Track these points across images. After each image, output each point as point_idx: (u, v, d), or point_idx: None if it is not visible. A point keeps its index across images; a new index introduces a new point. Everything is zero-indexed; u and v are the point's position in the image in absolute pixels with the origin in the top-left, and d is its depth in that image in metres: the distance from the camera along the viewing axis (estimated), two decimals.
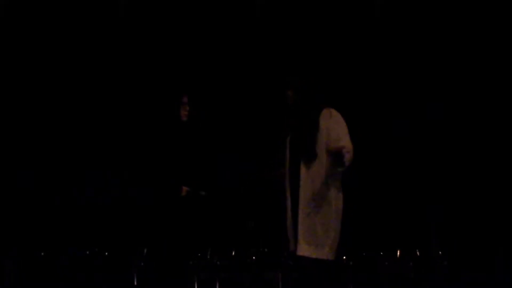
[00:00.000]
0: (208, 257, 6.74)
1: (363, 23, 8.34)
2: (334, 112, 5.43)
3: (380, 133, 7.99)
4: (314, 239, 5.22)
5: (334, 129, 5.34)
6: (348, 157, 5.13)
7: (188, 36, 8.33)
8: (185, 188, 6.15)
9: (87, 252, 7.38)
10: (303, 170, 5.29)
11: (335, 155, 5.09)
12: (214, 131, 7.54)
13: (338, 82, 7.74)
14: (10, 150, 8.26)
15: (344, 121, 5.60)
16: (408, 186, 7.80)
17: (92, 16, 8.40)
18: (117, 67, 8.32)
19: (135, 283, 6.39)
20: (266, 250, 6.78)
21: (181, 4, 8.39)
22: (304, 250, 5.25)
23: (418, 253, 7.08)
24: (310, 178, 5.26)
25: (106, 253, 7.33)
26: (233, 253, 6.90)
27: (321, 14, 8.33)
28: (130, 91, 8.18)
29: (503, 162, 7.87)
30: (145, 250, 6.68)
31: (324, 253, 5.25)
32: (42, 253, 7.34)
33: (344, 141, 5.24)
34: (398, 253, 7.10)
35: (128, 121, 7.92)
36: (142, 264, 6.69)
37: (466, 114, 8.04)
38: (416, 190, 7.78)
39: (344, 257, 6.51)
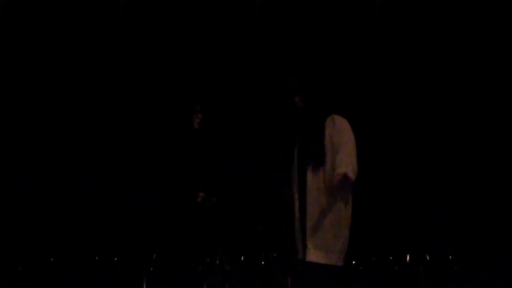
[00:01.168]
0: (217, 262, 6.77)
1: (363, 23, 8.35)
2: (336, 119, 5.42)
3: (380, 133, 8.02)
4: (324, 245, 5.26)
5: (338, 144, 5.30)
6: (351, 176, 5.14)
7: (189, 40, 8.31)
8: (201, 194, 6.19)
9: (96, 257, 7.40)
10: (310, 176, 5.32)
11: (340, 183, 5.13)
12: (224, 137, 7.56)
13: (337, 82, 7.75)
14: (10, 150, 8.22)
15: (349, 125, 5.59)
16: (413, 187, 7.84)
17: (102, 19, 8.38)
18: (122, 70, 8.30)
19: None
20: (275, 255, 6.81)
21: (181, 8, 8.37)
22: (313, 256, 5.28)
23: (428, 257, 7.12)
24: (317, 184, 5.30)
25: (115, 258, 7.34)
26: (242, 258, 6.93)
27: (320, 15, 8.34)
28: (140, 98, 8.17)
29: (504, 162, 7.94)
30: (155, 255, 6.70)
31: (334, 258, 5.29)
32: (52, 258, 7.35)
33: (346, 162, 5.20)
34: (408, 258, 7.14)
35: (142, 127, 7.91)
36: (151, 269, 6.70)
37: (466, 114, 8.08)
38: (422, 192, 7.82)
39: (354, 262, 6.55)
